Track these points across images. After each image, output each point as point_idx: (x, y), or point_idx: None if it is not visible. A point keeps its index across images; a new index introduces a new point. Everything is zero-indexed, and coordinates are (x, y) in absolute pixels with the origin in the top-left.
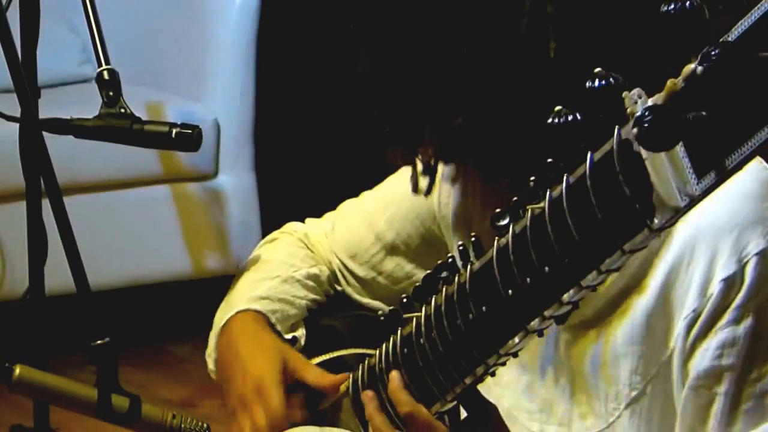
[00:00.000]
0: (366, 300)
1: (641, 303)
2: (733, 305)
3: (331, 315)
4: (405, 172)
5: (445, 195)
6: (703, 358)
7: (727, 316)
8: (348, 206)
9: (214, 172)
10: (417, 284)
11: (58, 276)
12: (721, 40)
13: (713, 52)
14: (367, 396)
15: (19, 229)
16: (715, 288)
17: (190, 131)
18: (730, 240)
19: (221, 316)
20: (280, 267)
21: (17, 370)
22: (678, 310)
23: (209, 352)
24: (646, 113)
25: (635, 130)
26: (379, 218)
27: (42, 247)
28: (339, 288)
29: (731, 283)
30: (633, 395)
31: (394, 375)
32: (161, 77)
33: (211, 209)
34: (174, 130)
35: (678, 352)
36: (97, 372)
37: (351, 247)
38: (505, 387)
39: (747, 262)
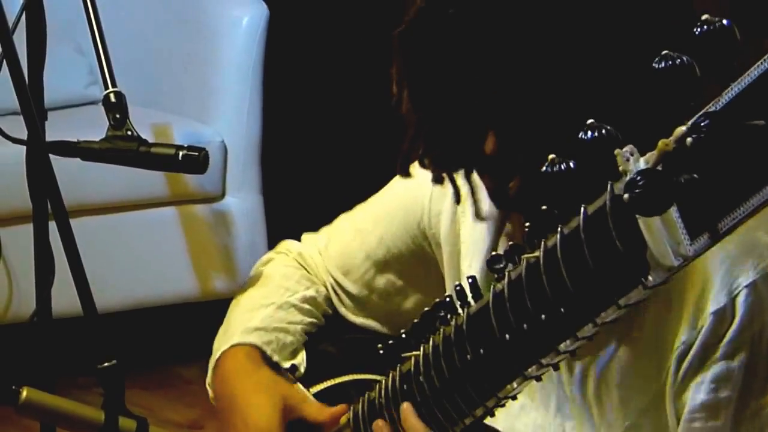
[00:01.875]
0: (360, 320)
1: (634, 333)
2: (726, 339)
3: (327, 340)
4: (396, 185)
5: (435, 212)
6: (697, 392)
7: (721, 349)
8: (342, 221)
9: (221, 194)
10: (415, 320)
11: (65, 298)
12: (710, 109)
13: (702, 123)
14: (378, 426)
15: (26, 251)
16: (705, 321)
17: (196, 153)
18: (720, 271)
19: (218, 346)
20: (276, 292)
21: (24, 393)
22: (669, 341)
23: (209, 382)
24: (638, 178)
25: (627, 195)
26: (370, 234)
27: (49, 270)
28: (334, 308)
29: (722, 317)
30: (626, 425)
31: (406, 406)
32: (168, 99)
33: (218, 231)
34: (181, 153)
35: (670, 384)
36: (104, 394)
37: (344, 264)
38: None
39: (737, 294)
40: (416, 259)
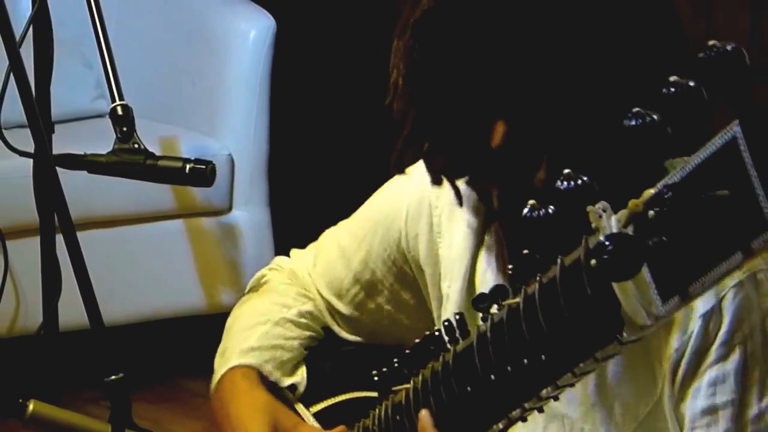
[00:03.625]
0: (354, 338)
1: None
2: (717, 341)
3: (324, 354)
4: (375, 203)
5: (412, 235)
6: (695, 398)
7: (714, 353)
8: (327, 239)
9: (228, 207)
10: (407, 351)
11: (71, 311)
12: (673, 179)
13: (666, 195)
14: None
15: (33, 264)
16: (695, 324)
17: (203, 167)
18: None
19: (218, 367)
20: (272, 309)
21: (31, 406)
22: (659, 350)
23: (213, 404)
24: (606, 243)
25: (594, 261)
26: (354, 256)
27: (56, 283)
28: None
29: (710, 318)
30: None
31: (425, 413)
32: (175, 112)
33: (225, 244)
34: (188, 166)
35: (668, 394)
36: (111, 407)
37: (333, 286)
38: None
39: (725, 295)
40: (401, 283)
